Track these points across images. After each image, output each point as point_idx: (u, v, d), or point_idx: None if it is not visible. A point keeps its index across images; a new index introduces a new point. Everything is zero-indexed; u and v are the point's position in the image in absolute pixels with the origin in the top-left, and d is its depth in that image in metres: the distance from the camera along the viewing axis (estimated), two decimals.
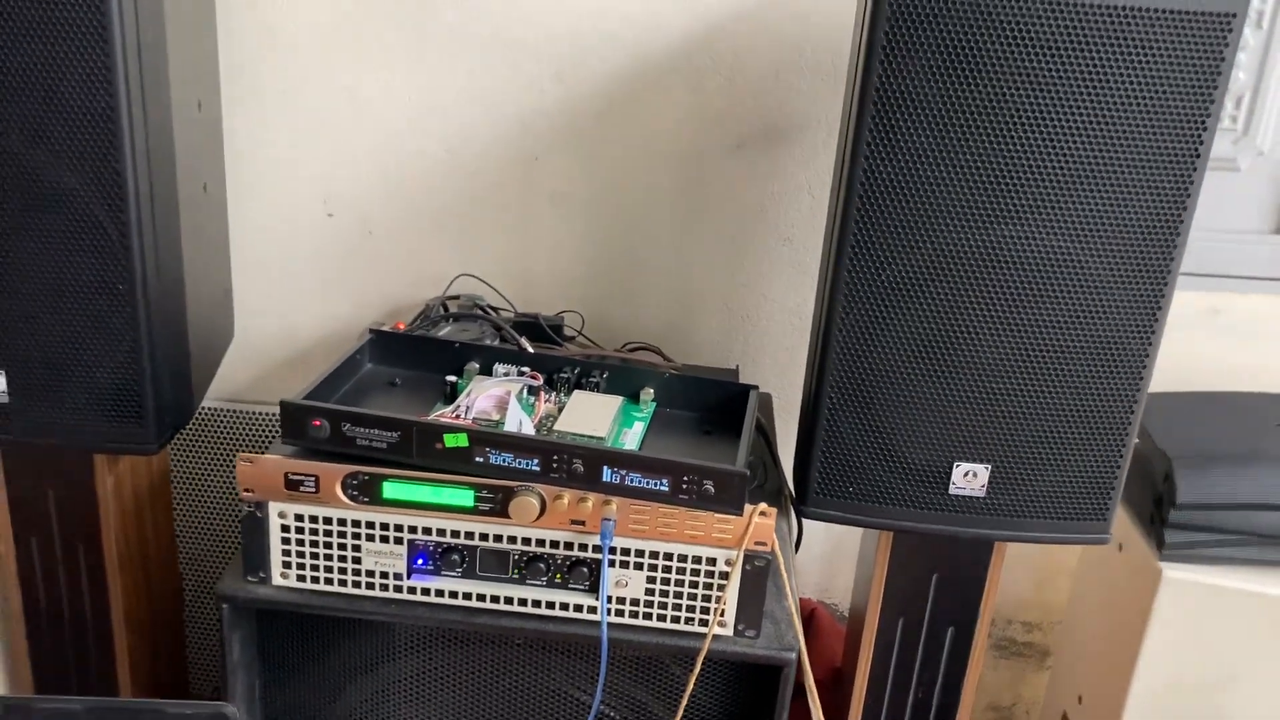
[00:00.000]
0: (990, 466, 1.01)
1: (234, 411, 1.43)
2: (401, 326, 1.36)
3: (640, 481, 0.85)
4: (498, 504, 0.87)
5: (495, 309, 1.39)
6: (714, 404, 1.01)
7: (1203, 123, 0.88)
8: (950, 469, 1.01)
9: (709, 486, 0.84)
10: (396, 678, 0.99)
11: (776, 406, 1.34)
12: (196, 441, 1.46)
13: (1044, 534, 1.04)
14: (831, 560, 1.56)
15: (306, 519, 0.89)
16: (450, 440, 0.86)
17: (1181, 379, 1.37)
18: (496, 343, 1.28)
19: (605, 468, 0.85)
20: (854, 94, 0.92)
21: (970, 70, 0.87)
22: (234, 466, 1.45)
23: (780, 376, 1.42)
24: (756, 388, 1.00)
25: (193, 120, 1.14)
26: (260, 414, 1.44)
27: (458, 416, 0.90)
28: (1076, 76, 0.87)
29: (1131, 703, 1.19)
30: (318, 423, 0.87)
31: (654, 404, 0.99)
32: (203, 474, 1.47)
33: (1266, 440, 1.20)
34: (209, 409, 1.44)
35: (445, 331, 1.29)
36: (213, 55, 1.23)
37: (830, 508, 1.02)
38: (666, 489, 0.84)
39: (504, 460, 0.86)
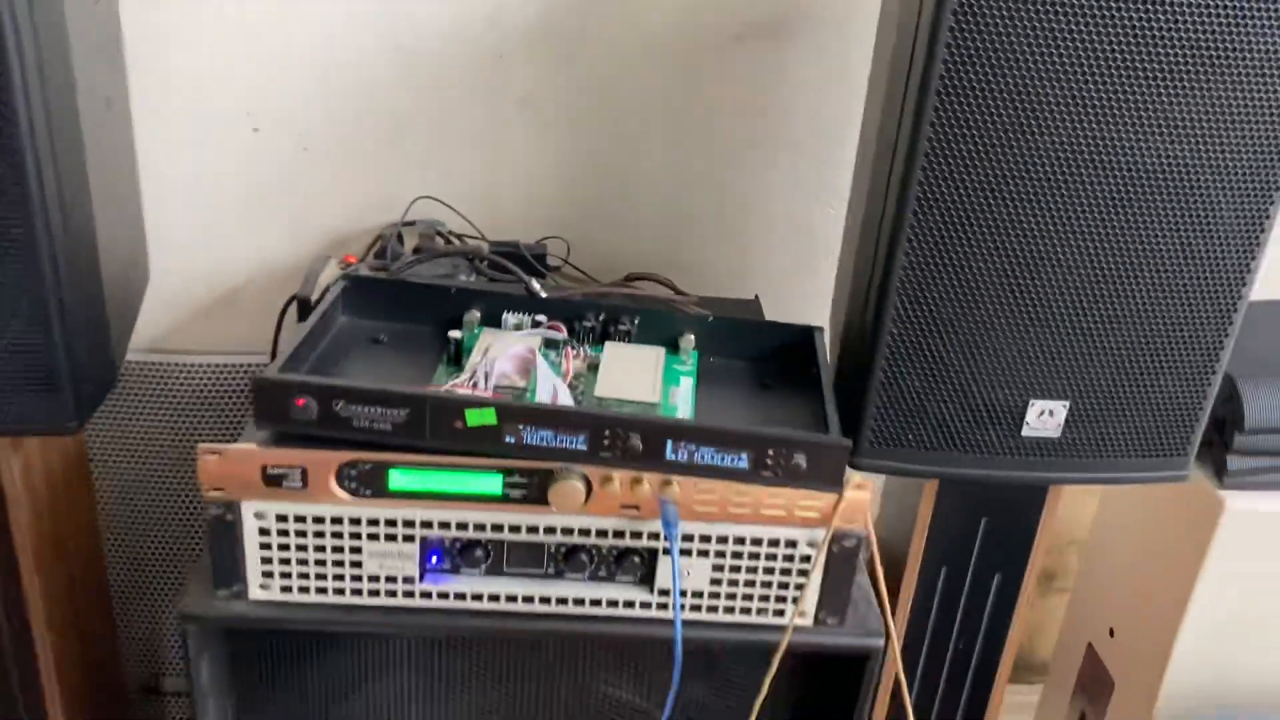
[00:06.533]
0: (1068, 403, 0.89)
1: (156, 365, 1.22)
2: (352, 260, 1.16)
3: (714, 458, 0.69)
4: (533, 490, 0.71)
5: (460, 236, 1.20)
6: (768, 351, 0.85)
7: None
8: (1025, 408, 0.89)
9: (799, 460, 0.69)
10: (396, 691, 0.83)
11: None
12: (115, 404, 1.23)
13: (1119, 474, 0.93)
14: None
15: (292, 519, 0.71)
16: (474, 418, 0.69)
17: None
18: (473, 278, 1.10)
19: (669, 442, 0.69)
20: None
21: None
22: (161, 429, 1.25)
23: (792, 304, 1.26)
24: (821, 330, 0.85)
25: (89, 14, 0.90)
26: (187, 366, 1.23)
27: (475, 385, 0.73)
28: None
29: (1183, 639, 1.11)
30: (302, 402, 0.68)
31: (696, 354, 0.83)
32: (125, 440, 1.25)
33: None
34: (127, 364, 1.21)
35: (415, 268, 1.10)
36: None
37: (887, 458, 0.89)
38: (746, 466, 0.69)
39: (542, 439, 0.69)
